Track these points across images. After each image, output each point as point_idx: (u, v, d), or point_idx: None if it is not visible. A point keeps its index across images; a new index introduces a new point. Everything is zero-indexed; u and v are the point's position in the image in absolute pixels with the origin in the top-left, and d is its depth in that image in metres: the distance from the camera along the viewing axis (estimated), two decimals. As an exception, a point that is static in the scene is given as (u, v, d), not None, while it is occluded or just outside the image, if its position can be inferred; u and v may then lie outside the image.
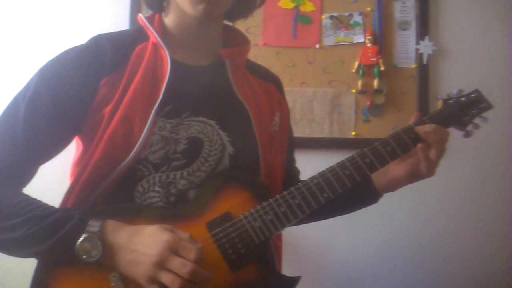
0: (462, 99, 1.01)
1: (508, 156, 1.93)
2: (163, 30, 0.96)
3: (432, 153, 0.95)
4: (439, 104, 1.02)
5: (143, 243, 0.77)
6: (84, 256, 0.77)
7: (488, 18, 1.94)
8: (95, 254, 0.77)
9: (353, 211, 1.12)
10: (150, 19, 0.97)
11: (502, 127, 1.93)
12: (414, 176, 1.00)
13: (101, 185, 0.86)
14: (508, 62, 1.94)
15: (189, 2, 0.89)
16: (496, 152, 1.92)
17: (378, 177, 1.04)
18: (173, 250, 0.75)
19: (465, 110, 1.01)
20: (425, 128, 0.95)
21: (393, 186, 1.04)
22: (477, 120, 1.01)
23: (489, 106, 1.01)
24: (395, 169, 1.01)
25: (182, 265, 0.73)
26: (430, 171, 0.97)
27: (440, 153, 0.95)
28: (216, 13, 0.93)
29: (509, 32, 1.94)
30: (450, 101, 1.01)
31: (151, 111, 0.87)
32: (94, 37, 0.93)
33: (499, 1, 1.94)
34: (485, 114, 1.01)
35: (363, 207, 1.10)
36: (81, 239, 0.77)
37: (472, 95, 1.02)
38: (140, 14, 0.98)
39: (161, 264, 0.74)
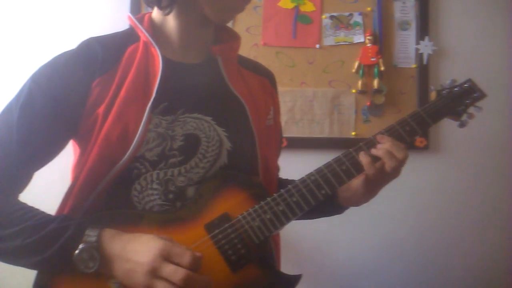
0: (455, 89, 1.00)
1: (508, 155, 1.93)
2: (153, 29, 0.96)
3: (386, 167, 0.92)
4: (433, 95, 1.02)
5: (136, 251, 0.76)
6: (82, 267, 0.77)
7: (488, 18, 1.94)
8: (92, 265, 0.76)
9: (317, 218, 1.11)
10: (139, 19, 0.97)
11: (503, 127, 1.93)
12: (367, 183, 0.97)
13: (99, 185, 0.86)
14: (508, 62, 1.94)
15: (218, 8, 0.91)
16: (497, 151, 1.93)
17: (342, 191, 1.02)
18: (166, 257, 0.74)
19: (459, 100, 1.00)
20: (381, 141, 0.94)
21: (354, 199, 1.02)
22: (471, 109, 1.00)
23: (482, 95, 1.00)
24: (355, 181, 0.99)
25: (174, 272, 0.73)
26: (377, 180, 0.95)
27: (391, 168, 0.91)
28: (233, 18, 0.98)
29: (509, 32, 1.94)
30: (444, 92, 1.01)
31: (145, 109, 0.87)
32: (84, 40, 0.93)
33: (499, 1, 1.94)
34: (479, 103, 1.01)
35: (328, 215, 1.09)
36: (78, 250, 0.77)
37: (465, 85, 1.01)
38: (129, 14, 0.98)
39: (154, 272, 0.74)
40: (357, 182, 0.99)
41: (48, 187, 1.23)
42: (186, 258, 0.74)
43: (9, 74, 1.83)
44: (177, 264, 0.74)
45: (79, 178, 0.87)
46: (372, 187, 0.98)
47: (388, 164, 0.91)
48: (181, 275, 0.72)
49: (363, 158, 0.93)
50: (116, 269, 0.77)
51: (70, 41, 0.98)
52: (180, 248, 0.76)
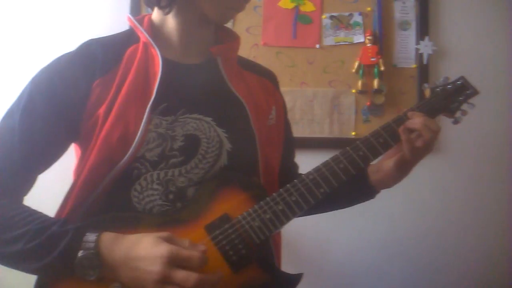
0: (448, 86, 1.01)
1: (508, 155, 1.93)
2: (153, 30, 0.96)
3: (420, 142, 0.93)
4: (427, 93, 1.03)
5: (142, 259, 0.75)
6: (82, 274, 0.76)
7: (488, 18, 1.94)
8: (93, 273, 0.76)
9: (350, 206, 1.12)
10: (139, 20, 0.97)
11: (503, 127, 1.93)
12: (401, 163, 0.99)
13: (99, 186, 0.86)
14: (508, 62, 1.94)
15: (218, 7, 0.92)
16: (496, 151, 1.93)
17: (373, 174, 1.04)
18: (175, 262, 0.74)
19: (452, 97, 1.01)
20: (413, 116, 0.95)
21: (387, 180, 1.03)
22: (464, 106, 1.01)
23: (475, 92, 1.01)
24: (387, 163, 1.01)
25: (186, 278, 0.73)
26: (414, 156, 0.96)
27: (428, 143, 0.93)
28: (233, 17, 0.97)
29: (509, 32, 1.94)
30: (437, 89, 1.02)
31: (145, 109, 0.87)
32: (84, 42, 0.93)
33: (499, 1, 1.94)
34: (472, 100, 1.01)
35: (360, 202, 1.10)
36: (78, 257, 0.76)
37: (458, 82, 1.02)
38: (128, 15, 0.98)
39: (165, 280, 0.74)
40: (389, 162, 1.00)
41: (48, 188, 1.23)
42: (194, 261, 0.75)
43: (9, 76, 1.83)
44: (187, 267, 0.74)
45: (80, 179, 0.87)
46: (406, 165, 0.99)
47: (426, 136, 0.92)
48: (193, 280, 0.73)
49: (411, 122, 0.94)
50: (121, 276, 0.77)
51: (70, 42, 0.98)
52: (186, 250, 0.76)
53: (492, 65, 1.92)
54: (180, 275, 0.73)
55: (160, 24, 0.97)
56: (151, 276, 0.74)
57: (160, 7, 0.93)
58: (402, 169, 1.00)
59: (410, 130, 0.94)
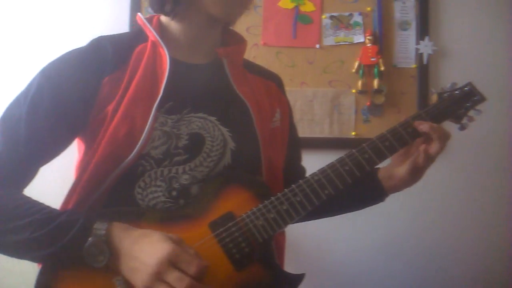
0: (456, 92, 1.02)
1: (508, 156, 1.93)
2: (161, 30, 0.97)
3: (433, 148, 0.95)
4: (434, 98, 1.03)
5: (144, 251, 0.76)
6: (91, 261, 0.77)
7: (488, 18, 1.94)
8: (102, 259, 0.77)
9: (360, 209, 1.11)
10: (149, 19, 0.98)
11: (503, 127, 1.93)
12: (414, 170, 0.99)
13: (104, 182, 0.86)
14: (508, 62, 1.94)
15: (223, 5, 0.92)
16: (497, 152, 1.93)
17: (385, 180, 1.03)
18: (173, 262, 0.74)
19: (460, 103, 1.01)
20: (429, 125, 0.96)
21: (400, 186, 1.03)
22: (471, 112, 1.02)
23: (482, 99, 1.02)
24: (399, 170, 1.01)
25: (178, 279, 0.73)
26: (426, 164, 0.97)
27: (441, 149, 0.95)
28: (241, 15, 0.97)
29: (509, 32, 1.94)
30: (445, 95, 1.02)
31: (152, 108, 0.88)
32: (95, 38, 0.94)
33: (499, 1, 1.95)
34: (479, 107, 1.02)
35: (369, 206, 1.10)
36: (87, 243, 0.77)
37: (465, 88, 1.03)
38: (139, 14, 1.00)
39: (158, 276, 0.74)
40: (401, 169, 1.00)
41: (49, 186, 1.22)
42: (193, 267, 0.74)
43: (9, 74, 1.82)
44: (183, 271, 0.74)
45: (84, 175, 0.87)
46: (419, 171, 0.99)
47: (442, 143, 0.94)
48: (185, 284, 0.73)
49: (423, 126, 0.95)
50: (121, 265, 0.78)
51: (70, 41, 0.98)
52: (188, 255, 0.76)
53: (492, 65, 1.92)
54: (174, 275, 0.73)
55: (168, 24, 0.98)
56: (147, 269, 0.74)
57: (165, 13, 0.94)
58: (416, 175, 1.00)
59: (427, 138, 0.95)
